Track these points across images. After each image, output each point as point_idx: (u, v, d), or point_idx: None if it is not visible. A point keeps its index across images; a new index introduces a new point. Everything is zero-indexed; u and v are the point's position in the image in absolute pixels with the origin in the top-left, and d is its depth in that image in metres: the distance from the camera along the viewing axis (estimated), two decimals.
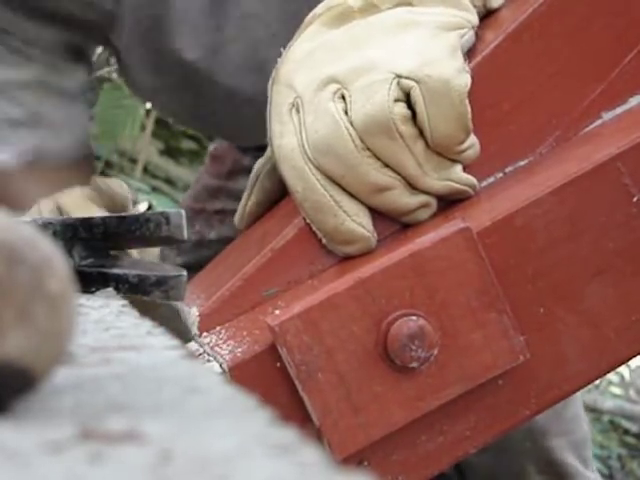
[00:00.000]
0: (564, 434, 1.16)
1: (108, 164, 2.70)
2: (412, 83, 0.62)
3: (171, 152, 3.50)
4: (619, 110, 0.68)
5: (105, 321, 0.43)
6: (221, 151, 1.26)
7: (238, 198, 1.19)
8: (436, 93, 0.62)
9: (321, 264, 0.67)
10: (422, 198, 0.64)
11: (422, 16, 0.67)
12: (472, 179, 0.65)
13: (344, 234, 0.64)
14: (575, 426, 1.17)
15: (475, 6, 0.70)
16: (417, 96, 0.62)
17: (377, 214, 0.65)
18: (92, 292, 0.54)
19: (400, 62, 0.63)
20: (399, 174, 0.63)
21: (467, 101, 0.62)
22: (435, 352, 0.57)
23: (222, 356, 0.60)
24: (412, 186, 0.63)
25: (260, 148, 1.15)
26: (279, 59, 0.71)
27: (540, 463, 1.16)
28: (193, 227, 1.23)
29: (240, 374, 0.59)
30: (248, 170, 1.14)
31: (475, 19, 0.69)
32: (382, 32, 0.67)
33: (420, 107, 0.62)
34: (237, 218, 0.81)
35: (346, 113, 0.63)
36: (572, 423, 1.17)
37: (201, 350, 0.62)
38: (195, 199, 1.27)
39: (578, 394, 1.23)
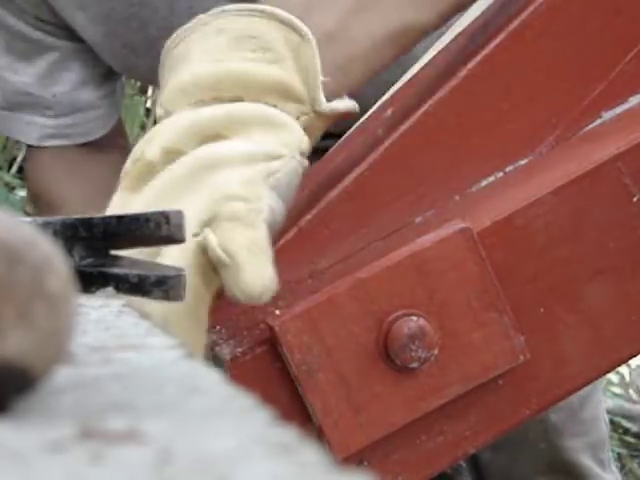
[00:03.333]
0: (580, 435, 1.15)
1: None
2: (207, 234, 0.55)
3: None
4: (619, 109, 0.68)
5: (105, 321, 0.43)
6: None
7: None
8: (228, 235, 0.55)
9: (321, 264, 0.67)
10: None
11: (228, 151, 0.59)
12: None
13: None
14: (592, 427, 1.17)
15: (304, 114, 0.61)
16: (211, 241, 0.55)
17: (378, 214, 0.65)
18: (92, 292, 0.54)
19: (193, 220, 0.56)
20: None
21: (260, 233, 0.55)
22: (435, 352, 0.58)
23: (222, 355, 0.60)
24: None
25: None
26: None
27: (554, 463, 1.16)
28: None
29: (240, 374, 0.59)
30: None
31: (297, 139, 0.60)
32: (183, 185, 0.59)
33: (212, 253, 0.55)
34: None
35: None
36: (589, 424, 1.16)
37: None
38: None
39: (599, 395, 1.23)
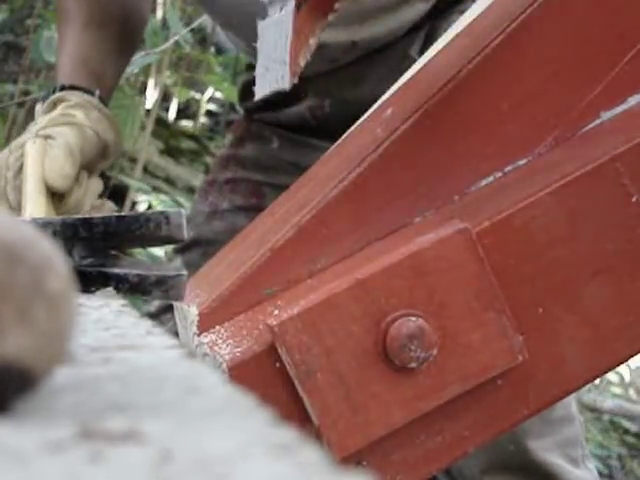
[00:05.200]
0: (548, 435, 1.16)
1: None
2: None
3: (171, 152, 3.50)
4: (618, 110, 0.68)
5: (105, 321, 0.43)
6: (235, 122, 1.29)
7: (245, 165, 1.23)
8: None
9: (320, 264, 0.67)
10: None
11: None
12: None
13: None
14: (562, 427, 1.18)
15: None
16: None
17: (377, 214, 0.65)
18: (92, 292, 0.54)
19: None
20: None
21: None
22: (434, 352, 0.58)
23: (222, 356, 0.60)
24: None
25: (267, 107, 1.20)
26: None
27: (524, 465, 1.16)
28: (207, 199, 1.26)
29: (240, 374, 0.59)
30: (254, 136, 1.17)
31: None
32: None
33: None
34: None
35: None
36: (558, 424, 1.17)
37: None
38: (210, 172, 1.30)
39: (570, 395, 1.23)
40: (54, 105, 1.04)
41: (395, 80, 0.93)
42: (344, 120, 0.89)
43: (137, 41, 1.24)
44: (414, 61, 1.11)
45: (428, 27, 1.13)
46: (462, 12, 1.14)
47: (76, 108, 1.03)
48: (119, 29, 1.15)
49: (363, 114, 0.83)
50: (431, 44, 1.11)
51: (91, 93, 1.06)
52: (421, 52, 1.12)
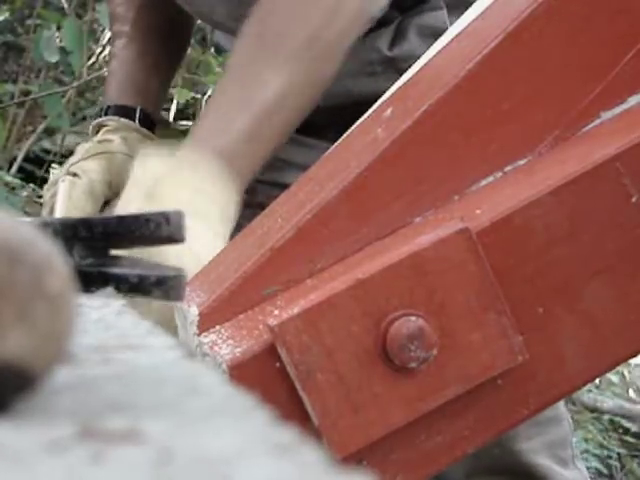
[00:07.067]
0: (535, 436, 1.16)
1: None
2: None
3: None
4: (618, 110, 0.68)
5: (105, 321, 0.43)
6: None
7: None
8: None
9: (320, 264, 0.67)
10: None
11: None
12: None
13: None
14: (549, 427, 1.17)
15: None
16: None
17: (377, 213, 0.65)
18: (92, 292, 0.54)
19: None
20: None
21: None
22: (434, 352, 0.58)
23: (222, 356, 0.60)
24: None
25: None
26: None
27: (512, 468, 1.16)
28: None
29: (240, 374, 0.59)
30: None
31: None
32: None
33: None
34: None
35: None
36: (545, 425, 1.17)
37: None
38: None
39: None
40: (98, 130, 1.13)
41: (367, 74, 0.94)
42: (317, 114, 0.94)
43: (183, 49, 1.31)
44: (384, 55, 1.13)
45: (397, 22, 1.15)
46: (433, 9, 1.16)
47: (114, 133, 1.13)
48: (163, 40, 1.22)
49: (337, 108, 0.84)
50: (402, 39, 1.13)
51: (134, 110, 1.12)
52: (391, 46, 1.14)
